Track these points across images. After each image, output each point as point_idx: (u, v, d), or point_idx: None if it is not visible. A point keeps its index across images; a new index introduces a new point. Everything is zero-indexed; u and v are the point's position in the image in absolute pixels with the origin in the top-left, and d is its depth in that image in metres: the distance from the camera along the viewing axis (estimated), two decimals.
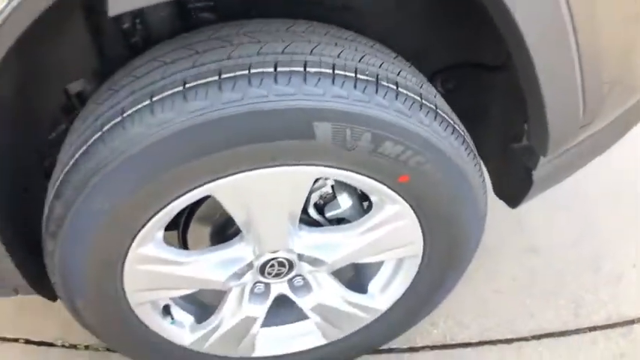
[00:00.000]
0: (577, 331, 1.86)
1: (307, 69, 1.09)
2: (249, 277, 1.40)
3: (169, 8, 1.32)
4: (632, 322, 1.89)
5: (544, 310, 1.92)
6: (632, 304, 1.94)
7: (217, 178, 1.14)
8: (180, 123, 1.05)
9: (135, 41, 1.37)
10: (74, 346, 1.92)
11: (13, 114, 1.26)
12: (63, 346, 1.94)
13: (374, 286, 1.55)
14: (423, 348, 1.84)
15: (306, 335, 1.62)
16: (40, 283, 1.46)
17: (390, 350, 1.83)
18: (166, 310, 1.47)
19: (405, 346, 1.84)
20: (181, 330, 1.51)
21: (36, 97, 1.34)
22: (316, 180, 1.27)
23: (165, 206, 1.17)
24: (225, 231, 1.41)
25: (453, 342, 1.85)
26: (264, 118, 1.07)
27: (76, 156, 1.13)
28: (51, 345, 1.94)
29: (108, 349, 1.87)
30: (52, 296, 1.53)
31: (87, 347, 1.91)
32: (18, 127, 1.30)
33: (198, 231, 1.45)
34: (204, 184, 1.14)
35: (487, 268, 2.01)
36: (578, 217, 2.19)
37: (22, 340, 1.97)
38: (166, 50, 1.16)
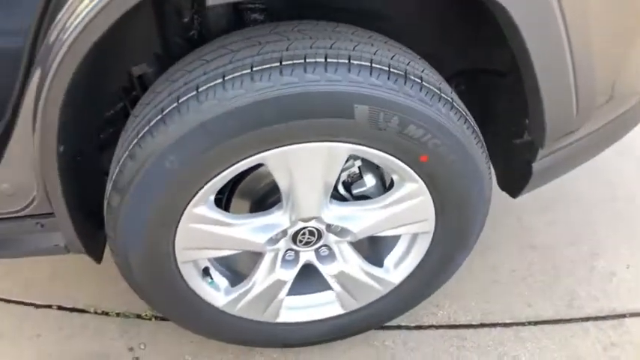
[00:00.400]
0: (570, 321, 2.25)
1: (351, 61, 1.47)
2: (282, 244, 1.78)
3: (226, 7, 1.69)
4: (622, 315, 2.27)
5: (540, 301, 2.31)
6: (622, 300, 2.32)
7: (270, 149, 1.51)
8: (247, 98, 1.43)
9: (192, 33, 1.74)
10: (106, 313, 2.29)
11: (82, 90, 1.60)
12: (95, 312, 2.31)
13: (389, 260, 1.93)
14: (429, 327, 2.23)
15: (326, 305, 2.00)
16: (90, 244, 1.83)
17: (399, 327, 2.22)
18: (206, 272, 1.84)
19: (412, 325, 2.23)
20: (217, 292, 1.88)
21: (103, 76, 1.70)
22: (347, 160, 1.64)
23: (223, 170, 1.54)
24: (264, 201, 1.78)
25: (457, 323, 2.24)
26: (315, 99, 1.45)
27: (152, 123, 1.49)
28: (83, 311, 2.32)
29: (139, 316, 2.24)
30: (98, 257, 1.90)
31: (118, 314, 2.28)
32: (84, 101, 1.65)
33: (237, 204, 1.82)
34: (259, 152, 1.52)
35: (489, 261, 2.42)
36: (576, 219, 2.62)
37: (55, 307, 2.34)
38: (232, 40, 1.54)
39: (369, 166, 1.80)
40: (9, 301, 2.40)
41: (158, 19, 1.69)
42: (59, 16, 1.43)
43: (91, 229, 1.86)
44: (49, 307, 2.35)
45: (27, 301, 2.39)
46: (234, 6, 1.72)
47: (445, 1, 1.75)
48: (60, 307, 2.34)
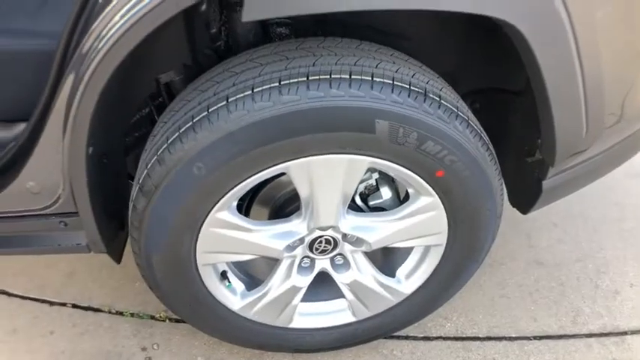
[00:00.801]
0: (574, 336, 2.33)
1: (374, 78, 1.56)
2: (299, 251, 1.88)
3: (254, 21, 1.78)
4: (625, 333, 2.36)
5: (545, 316, 2.40)
6: (626, 318, 2.41)
7: (294, 159, 1.61)
8: (274, 110, 1.52)
9: (219, 44, 1.84)
10: (120, 313, 2.38)
11: (112, 95, 1.69)
12: (109, 312, 2.40)
13: (401, 271, 2.03)
14: (436, 338, 2.32)
15: (338, 312, 2.10)
16: (111, 244, 1.92)
17: (407, 337, 2.31)
18: (224, 275, 1.93)
19: (420, 335, 2.32)
20: (233, 295, 1.97)
21: (132, 82, 1.80)
22: (364, 173, 1.73)
23: (247, 178, 1.63)
24: (283, 209, 1.88)
25: (463, 335, 2.33)
26: (339, 113, 1.54)
27: (181, 130, 1.58)
28: (98, 310, 2.41)
29: (152, 317, 2.33)
30: (118, 257, 2.00)
31: (132, 314, 2.36)
32: (114, 106, 1.74)
33: (257, 210, 1.91)
34: (283, 162, 1.61)
35: (497, 275, 2.52)
36: (583, 237, 2.72)
37: (70, 305, 2.44)
38: (260, 54, 1.64)
39: (385, 178, 1.90)
40: (24, 298, 2.49)
41: (187, 30, 1.78)
42: (94, 25, 1.52)
43: (112, 230, 1.96)
44: (64, 305, 2.44)
45: (42, 298, 2.48)
46: (261, 20, 1.82)
47: (461, 22, 1.85)
48: (74, 306, 2.43)
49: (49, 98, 1.69)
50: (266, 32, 1.86)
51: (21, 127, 2.13)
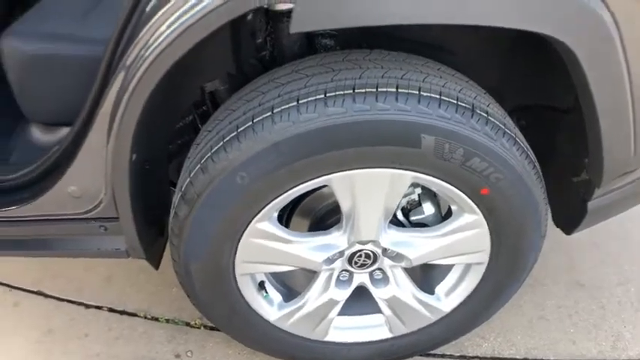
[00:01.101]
0: None
1: (421, 93, 1.55)
2: (338, 264, 1.86)
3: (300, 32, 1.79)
4: None
5: (585, 340, 2.34)
6: None
7: (337, 171, 1.59)
8: (319, 122, 1.51)
9: (264, 54, 1.84)
10: (155, 319, 2.38)
11: (157, 103, 1.69)
12: (145, 317, 2.41)
13: (441, 288, 2.00)
14: (473, 357, 2.28)
15: (374, 328, 2.07)
16: (150, 250, 1.93)
17: (443, 356, 2.27)
18: (261, 286, 1.92)
19: (457, 354, 2.29)
20: (270, 306, 1.96)
21: (177, 90, 1.80)
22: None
23: (290, 189, 1.62)
24: (324, 221, 1.87)
25: (500, 356, 2.28)
26: (385, 127, 1.52)
27: (226, 139, 1.58)
28: (133, 315, 2.42)
29: (188, 324, 2.33)
30: (156, 263, 2.00)
31: (167, 321, 2.37)
32: (158, 113, 1.74)
33: (297, 221, 1.91)
34: (326, 174, 1.60)
35: (537, 296, 2.47)
36: (625, 259, 2.66)
37: (106, 308, 2.45)
38: (306, 65, 1.63)
39: (428, 193, 1.87)
40: (61, 300, 2.52)
41: (233, 40, 1.78)
42: (141, 34, 1.53)
43: (152, 236, 1.96)
44: (100, 308, 2.45)
45: (78, 300, 2.50)
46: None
47: (510, 37, 1.83)
48: (110, 310, 2.44)
49: (93, 104, 1.70)
50: (311, 43, 1.85)
51: (64, 131, 2.15)
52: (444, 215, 1.90)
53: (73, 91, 2.03)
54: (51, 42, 1.99)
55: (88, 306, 2.47)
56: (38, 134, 2.25)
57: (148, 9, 1.55)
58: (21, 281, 2.62)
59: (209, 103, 1.91)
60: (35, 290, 2.58)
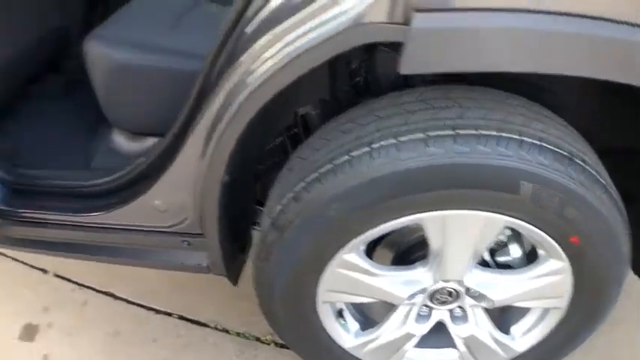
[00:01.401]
0: None
1: (522, 138, 1.52)
2: (419, 299, 1.85)
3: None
4: None
5: None
6: None
7: (431, 210, 1.59)
8: (419, 161, 1.50)
9: (357, 80, 1.84)
10: (226, 331, 2.40)
11: (254, 125, 1.71)
12: (215, 328, 2.43)
13: (517, 328, 1.97)
14: None
15: None
16: (230, 266, 1.94)
17: None
18: (340, 313, 1.92)
19: None
20: (347, 333, 1.96)
21: (273, 114, 1.80)
22: None
23: (381, 224, 1.62)
24: (408, 255, 1.86)
25: None
26: (484, 171, 1.51)
27: (322, 170, 1.58)
28: (203, 325, 2.44)
29: (258, 339, 2.34)
30: (235, 280, 2.01)
31: (238, 334, 2.39)
32: (253, 135, 1.75)
33: (381, 253, 1.90)
34: (420, 213, 1.59)
35: (610, 336, 2.40)
36: None
37: (176, 316, 2.47)
38: (406, 100, 1.61)
39: (515, 235, 1.84)
40: (130, 302, 2.55)
41: (330, 67, 1.78)
42: (242, 58, 1.54)
43: (234, 252, 1.98)
44: (170, 314, 2.48)
45: (148, 305, 2.53)
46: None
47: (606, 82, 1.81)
48: (181, 317, 2.46)
49: (188, 120, 1.71)
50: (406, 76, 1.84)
51: (149, 141, 2.18)
52: (528, 255, 1.87)
53: (160, 103, 2.06)
54: (141, 52, 2.02)
55: (157, 311, 2.49)
56: (122, 141, 2.28)
57: (248, 31, 1.56)
58: (91, 280, 2.66)
59: (300, 127, 1.92)
60: (105, 291, 2.62)
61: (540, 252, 1.75)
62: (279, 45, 1.48)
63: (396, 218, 1.60)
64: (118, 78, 2.05)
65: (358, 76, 1.86)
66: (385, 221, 1.61)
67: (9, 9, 2.34)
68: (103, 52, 2.04)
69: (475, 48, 1.39)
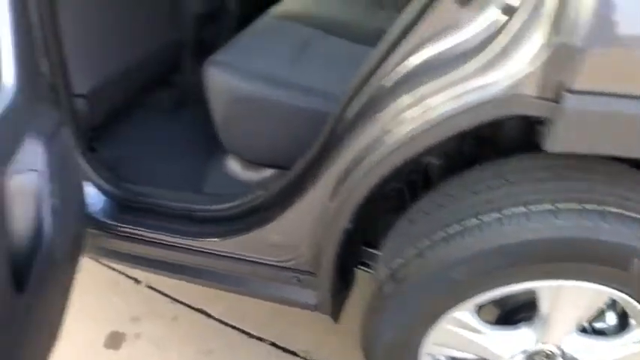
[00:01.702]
0: None
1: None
2: (519, 358, 1.90)
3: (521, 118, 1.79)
4: None
5: None
6: None
7: (547, 279, 1.66)
8: (547, 233, 1.56)
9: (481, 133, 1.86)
10: None
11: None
12: (305, 358, 2.45)
13: None
14: None
15: None
16: (335, 305, 2.00)
17: None
18: None
19: None
20: None
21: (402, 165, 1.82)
22: None
23: (498, 288, 1.69)
24: (514, 314, 1.92)
25: None
26: (604, 247, 1.56)
27: (449, 231, 1.64)
28: (294, 354, 2.47)
29: None
30: (337, 317, 2.05)
31: None
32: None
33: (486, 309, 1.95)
34: (537, 280, 1.66)
35: None
36: None
37: (268, 342, 2.51)
38: (535, 166, 1.67)
39: (612, 304, 1.89)
40: (222, 323, 2.60)
41: None
42: (382, 113, 1.61)
43: (340, 292, 2.03)
44: (262, 340, 2.51)
45: (241, 327, 2.57)
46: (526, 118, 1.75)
47: None
48: (273, 344, 2.49)
49: (314, 162, 1.77)
50: (531, 129, 1.85)
51: (266, 172, 2.24)
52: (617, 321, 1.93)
53: (280, 136, 2.10)
54: (265, 84, 2.07)
55: (250, 335, 2.53)
56: (237, 169, 2.32)
57: (386, 85, 1.63)
58: (185, 296, 2.70)
59: (420, 176, 1.95)
60: (198, 308, 2.66)
61: (632, 321, 1.80)
62: (419, 109, 1.55)
63: (515, 283, 1.67)
64: (239, 107, 2.11)
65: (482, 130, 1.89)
66: (504, 285, 1.68)
67: (133, 19, 2.48)
68: (225, 80, 2.09)
69: (624, 133, 1.43)
